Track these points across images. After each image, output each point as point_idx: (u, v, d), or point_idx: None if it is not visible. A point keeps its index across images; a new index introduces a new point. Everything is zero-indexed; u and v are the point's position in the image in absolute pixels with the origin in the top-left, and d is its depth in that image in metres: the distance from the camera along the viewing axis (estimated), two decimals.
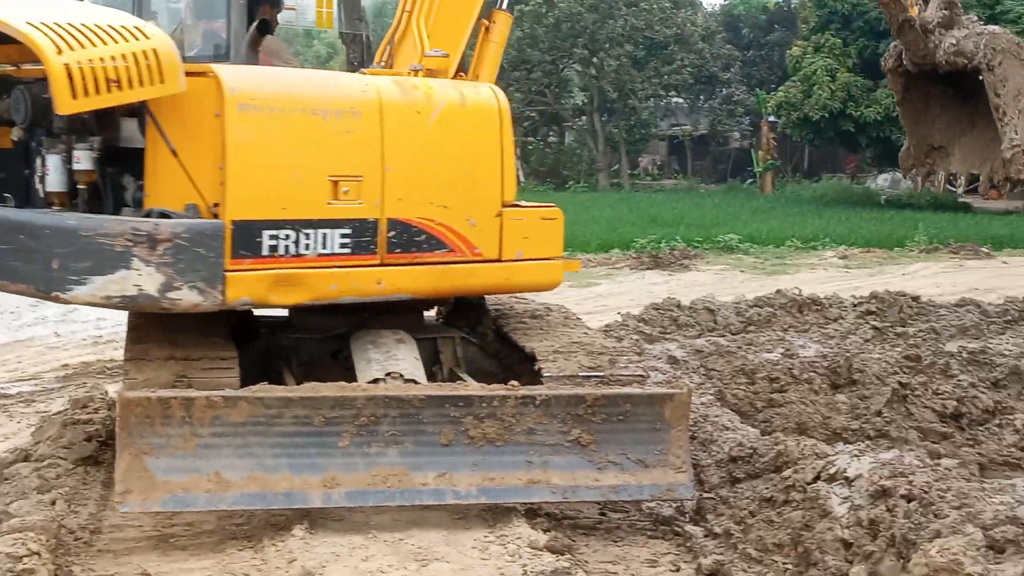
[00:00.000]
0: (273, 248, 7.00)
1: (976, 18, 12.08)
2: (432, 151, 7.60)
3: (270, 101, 7.05)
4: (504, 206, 7.84)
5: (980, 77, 11.23)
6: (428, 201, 7.54)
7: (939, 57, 11.36)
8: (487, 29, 8.75)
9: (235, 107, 6.88)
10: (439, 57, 7.99)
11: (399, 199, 7.43)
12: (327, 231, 7.19)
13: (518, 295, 9.25)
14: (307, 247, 7.12)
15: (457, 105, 7.74)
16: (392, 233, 7.42)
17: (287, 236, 7.04)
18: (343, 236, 7.24)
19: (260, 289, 6.98)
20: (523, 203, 8.10)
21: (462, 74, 8.39)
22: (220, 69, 7.00)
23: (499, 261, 7.81)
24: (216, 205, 6.88)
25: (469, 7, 8.47)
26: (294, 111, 7.14)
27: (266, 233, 6.98)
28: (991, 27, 11.62)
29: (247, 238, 6.90)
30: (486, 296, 8.68)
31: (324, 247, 7.18)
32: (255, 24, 8.11)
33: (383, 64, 8.62)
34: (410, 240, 7.49)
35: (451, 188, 7.64)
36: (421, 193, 7.53)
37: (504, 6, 8.83)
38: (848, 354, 10.94)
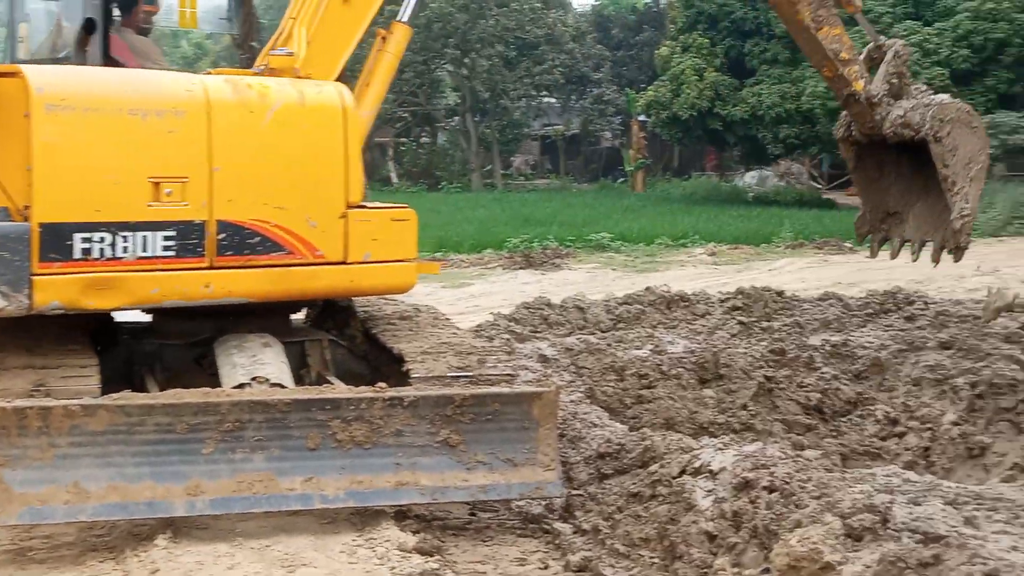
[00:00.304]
0: (86, 251, 6.85)
1: (924, 87, 12.17)
2: (267, 151, 7.42)
3: (82, 101, 6.91)
4: (349, 207, 7.64)
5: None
6: (263, 202, 7.37)
7: (887, 129, 11.38)
8: (384, 39, 8.66)
9: (43, 107, 6.75)
10: (283, 56, 7.86)
11: (229, 200, 7.26)
12: (148, 233, 7.03)
13: (389, 297, 9.20)
14: (125, 250, 6.95)
15: (296, 104, 7.56)
16: (222, 235, 7.25)
17: (102, 239, 6.89)
18: (166, 239, 7.08)
19: (72, 293, 6.83)
20: (371, 204, 7.95)
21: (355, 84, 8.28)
22: (28, 69, 6.90)
23: (344, 264, 7.63)
24: (27, 208, 6.75)
25: (358, 17, 8.32)
26: (109, 111, 6.99)
27: (78, 236, 6.83)
28: (940, 96, 11.65)
29: (57, 241, 6.76)
30: (354, 299, 8.60)
31: (145, 250, 7.02)
32: (80, 24, 7.91)
33: (262, 68, 8.49)
34: (242, 242, 7.32)
35: (289, 189, 7.46)
36: (255, 194, 7.36)
37: (405, 19, 8.71)
38: (715, 349, 11.10)
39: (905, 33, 35.62)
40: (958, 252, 11.57)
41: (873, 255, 12.63)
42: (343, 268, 7.63)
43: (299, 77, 7.78)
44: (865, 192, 12.88)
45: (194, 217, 7.18)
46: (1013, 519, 5.63)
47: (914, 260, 12.03)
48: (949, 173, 11.28)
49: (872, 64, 11.55)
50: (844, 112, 11.39)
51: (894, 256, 12.44)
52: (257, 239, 7.37)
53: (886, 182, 12.64)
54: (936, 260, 11.87)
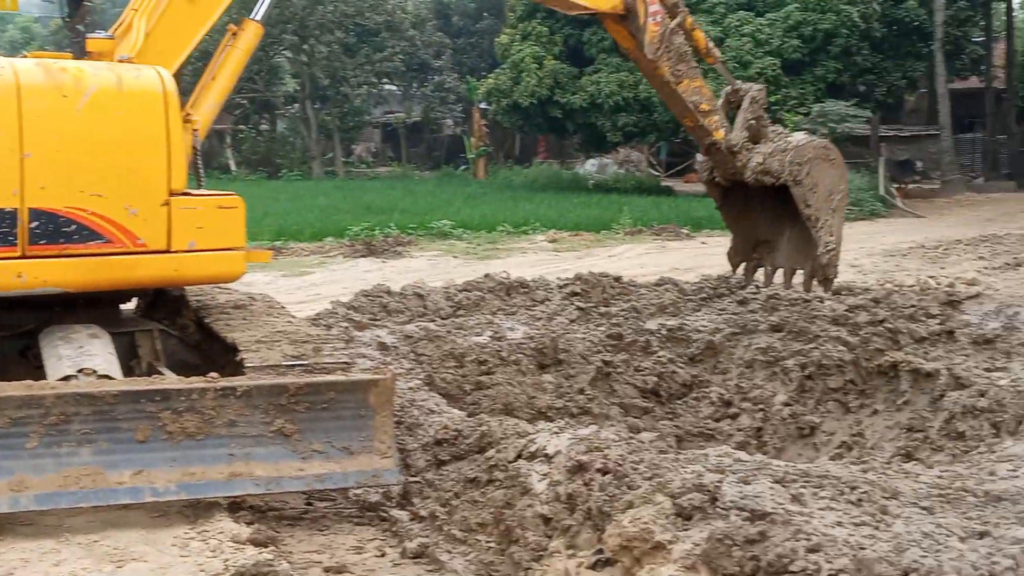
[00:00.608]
0: None
1: (783, 129, 12.30)
2: (82, 137, 7.21)
3: None
4: (173, 194, 7.44)
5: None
6: (78, 190, 7.16)
7: (748, 176, 11.55)
8: (234, 35, 8.49)
9: None
10: (102, 39, 7.65)
11: (42, 188, 7.06)
12: None
13: (223, 286, 9.03)
14: None
15: (113, 89, 7.33)
16: (35, 224, 7.04)
17: None
18: None
19: None
20: (196, 191, 7.78)
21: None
22: None
23: (168, 252, 7.45)
24: None
25: (202, 15, 8.12)
26: None
27: None
28: (796, 137, 11.75)
29: None
30: (186, 288, 8.43)
31: None
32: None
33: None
34: (57, 231, 7.12)
35: (107, 176, 7.26)
36: (70, 181, 7.15)
37: (258, 17, 8.56)
38: (554, 335, 11.19)
39: (738, 23, 36.45)
40: (827, 283, 12.01)
41: (747, 283, 12.88)
42: (167, 257, 7.45)
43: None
44: (734, 225, 13.12)
45: (4, 205, 6.95)
46: (838, 495, 5.78)
47: (786, 288, 12.33)
48: (812, 212, 11.61)
49: (730, 107, 11.78)
50: (706, 158, 11.54)
51: (767, 284, 12.73)
52: (73, 227, 7.15)
53: (754, 215, 12.92)
54: (807, 288, 12.18)
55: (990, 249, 21.92)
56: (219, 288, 9.07)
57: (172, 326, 8.39)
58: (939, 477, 6.55)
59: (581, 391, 9.99)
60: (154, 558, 6.02)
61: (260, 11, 8.60)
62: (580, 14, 10.70)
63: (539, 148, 56.86)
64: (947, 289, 13.59)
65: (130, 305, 8.81)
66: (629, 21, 10.28)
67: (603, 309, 12.77)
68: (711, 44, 10.92)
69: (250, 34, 8.51)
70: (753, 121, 11.46)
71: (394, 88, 58.26)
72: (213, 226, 7.59)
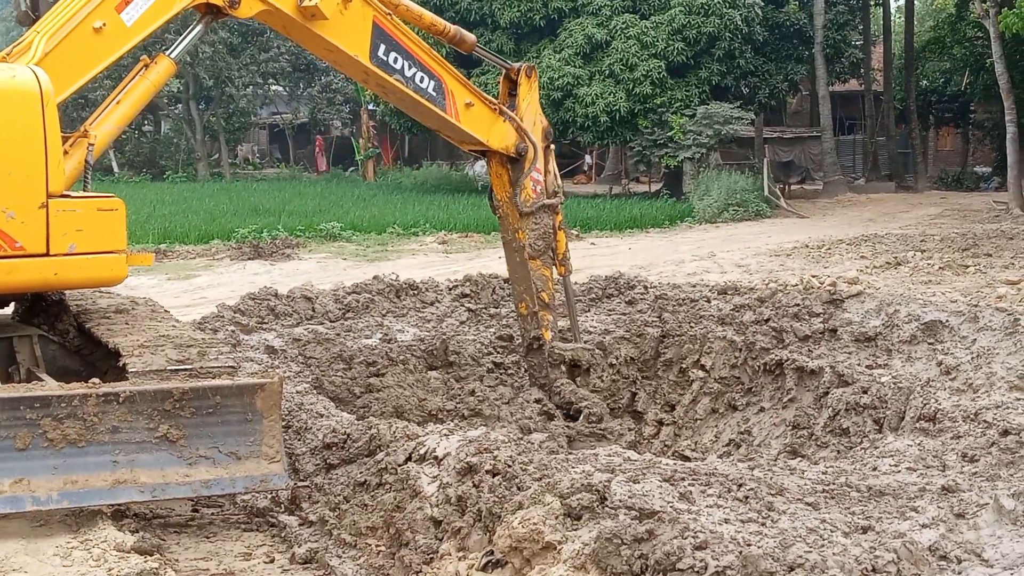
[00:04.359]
0: None
1: None
2: None
3: None
4: (51, 197, 7.25)
5: None
6: None
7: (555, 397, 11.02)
8: (146, 66, 8.32)
9: None
10: None
11: None
12: None
13: (104, 290, 8.85)
14: None
15: None
16: None
17: None
18: None
19: None
20: (74, 194, 7.56)
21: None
22: None
23: (47, 256, 7.25)
24: None
25: (106, 50, 7.89)
26: None
27: None
28: None
29: None
30: (65, 292, 8.24)
31: None
32: None
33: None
34: None
35: None
36: None
37: (173, 55, 8.40)
38: (444, 336, 11.18)
39: (624, 26, 36.75)
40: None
41: None
42: (46, 260, 7.24)
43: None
44: None
45: None
46: (726, 493, 5.85)
47: None
48: None
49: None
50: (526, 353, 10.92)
51: None
52: None
53: None
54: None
55: (871, 248, 22.40)
56: (100, 292, 8.90)
57: (52, 331, 8.20)
58: (824, 473, 6.67)
59: (472, 392, 9.99)
60: (35, 569, 5.88)
61: (176, 49, 8.47)
62: (473, 150, 10.63)
63: (385, 151, 56.40)
64: (830, 288, 13.85)
65: (7, 310, 8.57)
66: (516, 168, 10.25)
67: (493, 311, 12.79)
68: (568, 252, 10.82)
69: (161, 69, 8.36)
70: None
71: (280, 89, 57.68)
72: (93, 229, 7.40)
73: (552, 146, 10.65)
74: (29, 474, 6.32)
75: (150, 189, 41.01)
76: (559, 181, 10.67)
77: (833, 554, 4.86)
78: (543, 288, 10.38)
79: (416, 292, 13.53)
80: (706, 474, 6.25)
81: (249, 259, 21.83)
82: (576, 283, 14.36)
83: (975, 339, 9.55)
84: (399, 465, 6.62)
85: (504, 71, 10.49)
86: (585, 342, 10.87)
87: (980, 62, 43.55)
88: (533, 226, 10.32)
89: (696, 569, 4.56)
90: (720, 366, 10.81)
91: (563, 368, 10.44)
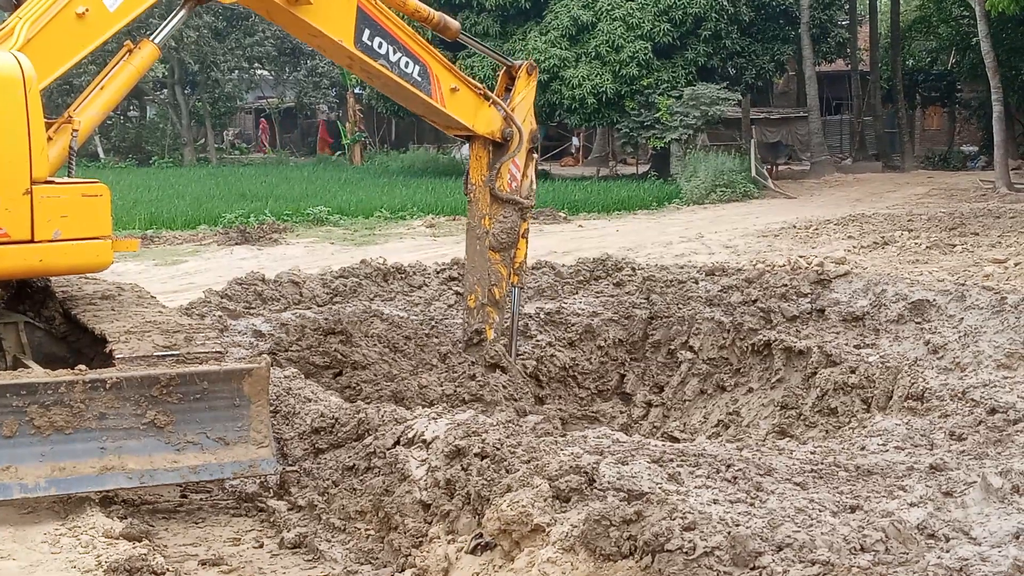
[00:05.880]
0: None
1: None
2: None
3: None
4: (35, 183, 7.18)
5: None
6: None
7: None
8: (130, 51, 8.26)
9: None
10: None
11: None
12: None
13: (90, 276, 8.81)
14: None
15: None
16: None
17: None
18: None
19: None
20: (59, 180, 7.52)
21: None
22: None
23: (32, 242, 7.20)
24: None
25: (88, 35, 7.83)
26: None
27: None
28: None
29: None
30: (51, 279, 8.20)
31: None
32: None
33: None
34: None
35: None
36: None
37: (157, 40, 8.34)
38: (433, 320, 11.17)
39: (609, 7, 36.65)
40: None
41: None
42: (31, 247, 7.19)
43: None
44: None
45: None
46: (714, 473, 5.86)
47: None
48: None
49: None
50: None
51: None
52: None
53: None
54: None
55: (858, 228, 22.41)
56: (86, 278, 8.86)
57: (37, 318, 8.16)
58: (812, 453, 6.69)
59: (472, 377, 9.97)
60: (23, 556, 5.87)
61: (160, 34, 8.42)
62: (459, 134, 10.57)
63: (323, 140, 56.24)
64: (817, 268, 13.87)
65: None
66: (498, 153, 10.21)
67: None
68: (526, 264, 10.81)
69: (145, 54, 8.30)
70: None
71: (266, 73, 57.47)
72: (78, 215, 7.35)
73: (536, 154, 10.63)
74: (16, 461, 6.31)
75: (136, 175, 40.85)
76: (535, 187, 10.66)
77: (821, 533, 4.87)
78: (496, 283, 10.36)
79: (404, 276, 13.52)
80: (694, 455, 6.26)
81: (236, 244, 21.76)
82: (564, 265, 14.38)
83: (962, 318, 9.57)
84: (387, 449, 6.61)
85: (505, 67, 10.44)
86: (522, 363, 10.77)
87: (966, 41, 43.60)
88: (502, 218, 10.30)
89: (685, 550, 4.56)
90: (708, 347, 10.83)
91: (497, 372, 10.39)
